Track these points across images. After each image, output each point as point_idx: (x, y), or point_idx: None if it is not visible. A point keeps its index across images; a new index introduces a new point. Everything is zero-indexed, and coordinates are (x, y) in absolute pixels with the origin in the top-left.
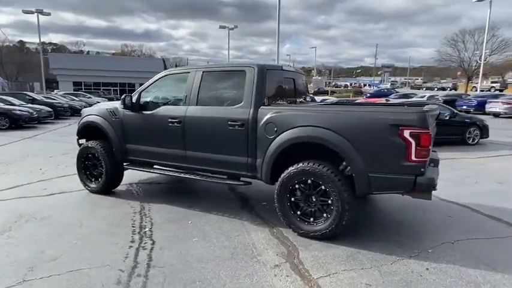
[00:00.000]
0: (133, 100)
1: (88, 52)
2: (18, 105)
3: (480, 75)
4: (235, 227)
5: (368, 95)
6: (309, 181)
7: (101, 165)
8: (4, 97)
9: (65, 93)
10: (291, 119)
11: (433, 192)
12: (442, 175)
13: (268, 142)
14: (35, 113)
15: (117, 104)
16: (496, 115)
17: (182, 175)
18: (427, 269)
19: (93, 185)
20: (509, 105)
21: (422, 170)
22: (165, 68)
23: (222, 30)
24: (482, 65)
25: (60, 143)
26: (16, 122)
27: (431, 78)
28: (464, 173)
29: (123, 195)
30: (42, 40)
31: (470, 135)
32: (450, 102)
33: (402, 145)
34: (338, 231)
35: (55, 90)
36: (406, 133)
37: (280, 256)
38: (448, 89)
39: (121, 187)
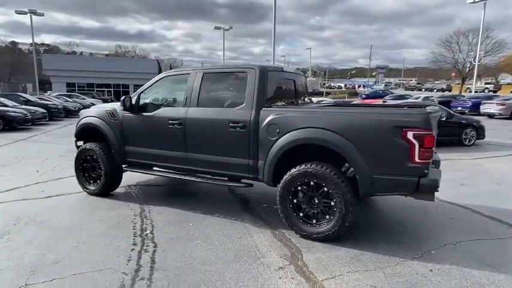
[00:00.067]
0: (133, 102)
1: (81, 53)
2: (12, 107)
3: (475, 76)
4: (237, 229)
5: (363, 96)
6: (312, 183)
7: (99, 167)
8: None
9: (59, 95)
10: (294, 120)
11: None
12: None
13: (270, 144)
14: (29, 114)
15: (115, 106)
16: (491, 116)
17: (182, 177)
18: (431, 270)
19: (91, 187)
20: (503, 106)
21: (426, 171)
22: (160, 69)
23: (215, 31)
24: (476, 66)
25: (56, 144)
26: (10, 124)
27: (425, 80)
28: (462, 174)
29: (122, 198)
30: (34, 41)
31: (467, 136)
32: (445, 103)
33: (406, 147)
34: (341, 233)
35: (48, 92)
36: (410, 135)
37: (283, 258)
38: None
39: (119, 189)
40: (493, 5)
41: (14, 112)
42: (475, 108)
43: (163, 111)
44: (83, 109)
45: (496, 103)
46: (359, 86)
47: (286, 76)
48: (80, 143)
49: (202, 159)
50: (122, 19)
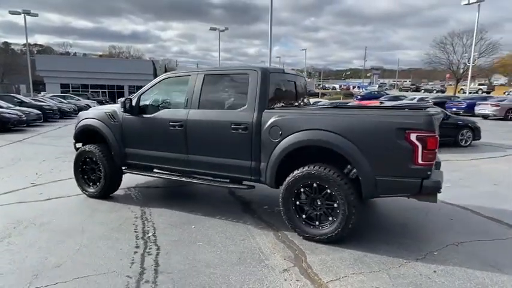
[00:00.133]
0: (133, 103)
1: (75, 54)
2: (6, 108)
3: (469, 77)
4: (239, 231)
5: (359, 97)
6: (315, 185)
7: (99, 169)
8: None
9: (53, 96)
10: (297, 122)
11: None
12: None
13: (272, 146)
14: (23, 115)
15: (115, 107)
16: (485, 117)
17: (183, 179)
18: (435, 271)
19: (91, 190)
20: (497, 108)
21: (429, 173)
22: (155, 70)
23: (210, 32)
24: (471, 67)
25: (52, 146)
26: (5, 125)
27: (420, 80)
28: (459, 175)
29: (121, 200)
30: (25, 41)
31: (463, 137)
32: (440, 104)
33: (409, 148)
34: (344, 235)
35: (42, 93)
36: (413, 136)
37: (287, 260)
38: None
39: (119, 191)
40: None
41: (8, 113)
42: (470, 109)
43: (164, 113)
44: (78, 110)
45: (491, 104)
46: (354, 87)
47: (287, 78)
48: (79, 145)
49: (204, 161)
50: (116, 19)
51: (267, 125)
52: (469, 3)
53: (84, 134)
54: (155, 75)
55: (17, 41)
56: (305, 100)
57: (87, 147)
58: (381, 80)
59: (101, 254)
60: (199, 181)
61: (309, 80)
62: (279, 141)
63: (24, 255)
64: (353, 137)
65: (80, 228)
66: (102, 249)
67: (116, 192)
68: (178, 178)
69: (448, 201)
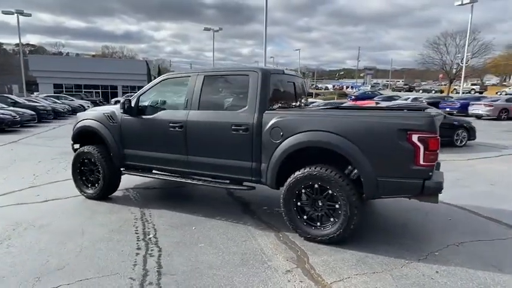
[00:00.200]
0: (132, 104)
1: (67, 54)
2: (0, 109)
3: (462, 77)
4: (240, 232)
5: (353, 97)
6: (316, 186)
7: (97, 170)
8: None
9: (47, 96)
10: (298, 123)
11: None
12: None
13: (273, 147)
14: (18, 116)
15: (114, 108)
16: (479, 117)
17: (183, 180)
18: (437, 272)
19: (89, 191)
20: (491, 108)
21: (430, 173)
22: (148, 70)
23: (203, 32)
24: (464, 67)
25: (47, 147)
26: None
27: (412, 81)
28: (456, 175)
29: (120, 201)
30: (17, 41)
31: (458, 137)
32: (433, 104)
33: (410, 149)
34: (346, 236)
35: (35, 93)
36: (415, 137)
37: (290, 261)
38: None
39: (117, 192)
40: (479, 8)
41: (2, 114)
42: (463, 109)
43: (163, 114)
44: (72, 111)
45: (484, 104)
46: (347, 87)
47: (287, 78)
48: (77, 146)
49: (204, 162)
50: (109, 19)
51: (268, 126)
52: (462, 4)
53: (83, 135)
54: (149, 76)
55: (9, 40)
56: (303, 101)
57: (86, 149)
58: (374, 80)
59: (103, 256)
60: (199, 182)
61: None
62: (280, 142)
63: (25, 257)
64: (355, 138)
65: (80, 230)
66: (104, 251)
67: (114, 194)
68: (177, 179)
69: (447, 202)
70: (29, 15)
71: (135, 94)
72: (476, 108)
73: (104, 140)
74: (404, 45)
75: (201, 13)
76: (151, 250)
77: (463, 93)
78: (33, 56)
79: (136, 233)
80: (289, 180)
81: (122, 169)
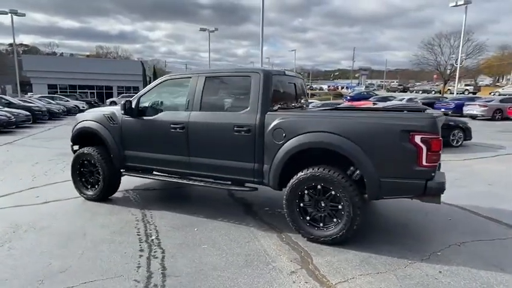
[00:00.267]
0: (133, 105)
1: (61, 54)
2: None
3: (457, 78)
4: (243, 234)
5: (348, 97)
6: (319, 186)
7: (97, 171)
8: None
9: (41, 96)
10: (301, 124)
11: None
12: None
13: (276, 148)
14: (13, 117)
15: (114, 109)
16: (473, 117)
17: (184, 181)
18: (440, 272)
19: (89, 192)
20: (485, 108)
21: (433, 174)
22: (144, 70)
23: (198, 32)
24: (458, 68)
25: (44, 148)
26: None
27: (407, 81)
28: (453, 175)
29: (120, 203)
30: (12, 41)
31: (455, 137)
32: (429, 104)
33: (413, 150)
34: (349, 236)
35: (29, 93)
36: (417, 138)
37: (294, 262)
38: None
39: (117, 194)
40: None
41: None
42: (458, 109)
43: (164, 115)
44: (67, 111)
45: (479, 105)
46: (342, 88)
47: (288, 80)
48: (76, 147)
49: (206, 163)
50: (103, 20)
51: (270, 127)
52: (456, 5)
53: (82, 137)
54: (144, 76)
55: (2, 40)
56: (302, 101)
57: (85, 150)
58: (369, 81)
59: (106, 258)
60: (201, 183)
61: None
62: (283, 144)
63: (27, 260)
64: (357, 139)
65: (81, 231)
66: (106, 253)
67: (114, 195)
68: (179, 180)
69: (447, 202)
70: (23, 15)
71: (136, 95)
72: (470, 109)
73: (104, 141)
74: (399, 45)
75: (196, 13)
76: (155, 252)
77: (457, 93)
78: (27, 56)
79: (138, 235)
80: (292, 181)
81: (122, 170)
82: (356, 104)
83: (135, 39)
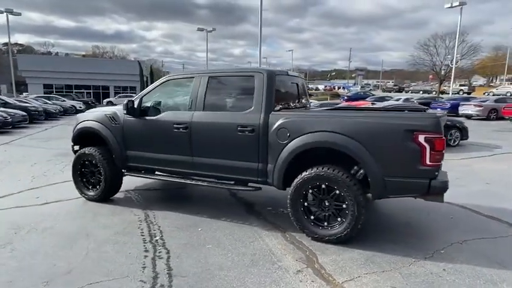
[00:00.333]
0: (135, 105)
1: (57, 53)
2: None
3: (452, 78)
4: (247, 233)
5: (345, 97)
6: (323, 186)
7: (99, 172)
8: None
9: (37, 96)
10: (305, 124)
11: None
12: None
13: (280, 147)
14: (9, 117)
15: (116, 109)
16: (468, 117)
17: (187, 181)
18: (444, 269)
19: (91, 193)
20: (480, 108)
21: (436, 173)
22: (141, 70)
23: (195, 32)
24: (454, 68)
25: (41, 148)
26: None
27: (402, 81)
28: (453, 175)
29: (122, 203)
30: (7, 40)
31: (451, 137)
32: (425, 104)
33: (417, 150)
34: (353, 235)
35: (24, 93)
36: (421, 138)
37: (300, 261)
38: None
39: (118, 194)
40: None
41: None
42: (454, 109)
43: (167, 115)
44: (64, 112)
45: (474, 105)
46: (338, 88)
47: (291, 79)
48: (77, 147)
49: (209, 163)
50: (99, 19)
51: (274, 127)
52: (451, 6)
53: (83, 137)
54: (141, 76)
55: None
56: (304, 101)
57: (87, 150)
58: (365, 81)
59: (110, 258)
60: (204, 183)
61: None
62: (287, 143)
63: (30, 261)
64: (362, 139)
65: (84, 232)
66: (111, 254)
67: (115, 196)
68: (181, 180)
69: (447, 201)
70: (19, 14)
71: (138, 95)
72: (466, 109)
73: (106, 141)
74: (394, 46)
75: (192, 13)
76: (159, 252)
77: (452, 93)
78: (23, 56)
79: (142, 235)
80: (296, 180)
81: (123, 171)
82: (354, 104)
83: (131, 39)
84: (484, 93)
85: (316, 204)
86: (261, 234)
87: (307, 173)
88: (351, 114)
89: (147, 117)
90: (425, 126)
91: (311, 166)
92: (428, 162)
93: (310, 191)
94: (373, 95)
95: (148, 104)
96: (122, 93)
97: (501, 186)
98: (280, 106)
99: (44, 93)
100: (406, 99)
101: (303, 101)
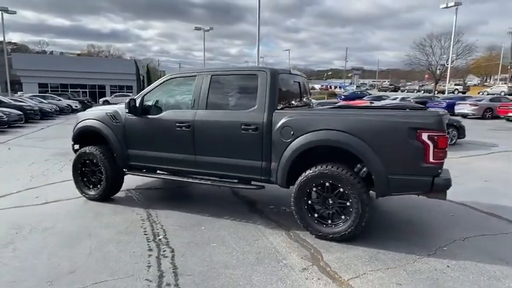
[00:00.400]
0: (137, 104)
1: (51, 52)
2: None
3: (448, 78)
4: (251, 232)
5: (343, 97)
6: (327, 184)
7: (100, 171)
8: None
9: (33, 95)
10: (309, 122)
11: None
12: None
13: (284, 146)
14: (4, 116)
15: (117, 108)
16: (464, 116)
17: (190, 180)
18: (448, 266)
19: (91, 192)
20: (476, 107)
21: (439, 171)
22: (137, 69)
23: (191, 31)
24: (449, 68)
25: (38, 148)
26: None
27: (398, 81)
28: (453, 173)
29: (123, 202)
30: (1, 39)
31: (449, 135)
32: (421, 103)
33: (420, 147)
34: (357, 233)
35: (19, 92)
36: (424, 136)
37: (305, 259)
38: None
39: (119, 194)
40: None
41: None
42: (450, 108)
43: (169, 114)
44: (60, 111)
45: (470, 104)
46: (335, 87)
47: (293, 78)
48: (77, 146)
49: (212, 161)
50: (94, 18)
51: (278, 126)
52: (447, 7)
53: (84, 136)
54: (138, 75)
55: None
56: (305, 99)
57: (87, 149)
58: (361, 80)
59: (114, 257)
60: (208, 182)
61: None
62: (291, 142)
63: (33, 261)
64: (365, 137)
65: (86, 232)
66: (115, 253)
67: (116, 195)
68: (184, 179)
69: (447, 198)
70: (14, 12)
71: (139, 93)
72: (462, 108)
73: (107, 140)
74: (390, 46)
75: (189, 12)
76: (164, 251)
77: (447, 93)
78: (17, 55)
79: (145, 234)
80: (300, 178)
81: (124, 170)
82: (351, 103)
83: (127, 38)
84: (478, 93)
85: (320, 202)
86: (265, 232)
87: (311, 171)
88: (355, 112)
89: (149, 116)
90: (428, 124)
91: (315, 164)
92: (431, 159)
93: (314, 189)
94: (370, 94)
95: (150, 103)
96: (118, 92)
97: (499, 184)
98: (283, 104)
99: (39, 93)
100: (403, 98)
101: (305, 99)
